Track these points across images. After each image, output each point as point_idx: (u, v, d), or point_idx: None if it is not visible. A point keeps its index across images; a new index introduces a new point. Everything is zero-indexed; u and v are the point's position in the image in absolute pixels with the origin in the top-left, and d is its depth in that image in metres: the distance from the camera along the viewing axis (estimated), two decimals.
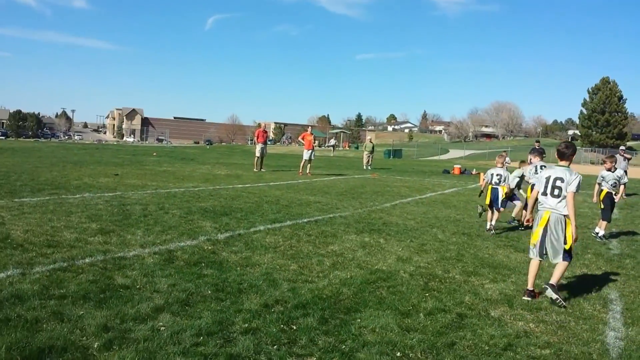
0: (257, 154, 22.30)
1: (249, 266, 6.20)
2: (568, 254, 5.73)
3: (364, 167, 29.87)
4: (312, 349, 4.01)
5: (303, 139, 22.14)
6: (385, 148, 64.18)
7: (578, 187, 5.66)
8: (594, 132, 77.73)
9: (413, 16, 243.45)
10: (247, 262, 6.36)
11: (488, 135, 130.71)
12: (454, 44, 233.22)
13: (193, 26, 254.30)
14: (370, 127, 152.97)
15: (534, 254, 5.88)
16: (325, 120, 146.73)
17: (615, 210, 11.14)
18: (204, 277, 5.61)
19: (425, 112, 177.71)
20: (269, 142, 32.73)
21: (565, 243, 5.68)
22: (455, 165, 31.69)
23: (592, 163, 62.03)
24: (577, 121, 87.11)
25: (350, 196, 14.13)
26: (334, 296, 5.29)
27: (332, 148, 54.08)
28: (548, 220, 5.77)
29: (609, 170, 10.03)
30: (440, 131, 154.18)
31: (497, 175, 9.77)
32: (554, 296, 5.45)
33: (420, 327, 4.60)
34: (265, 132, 23.22)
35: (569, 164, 5.91)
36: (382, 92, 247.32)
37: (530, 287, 5.73)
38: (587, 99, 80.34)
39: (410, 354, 4.04)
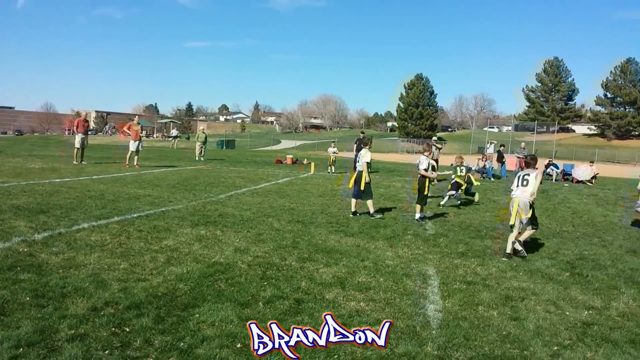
0: (77, 145, 20.54)
1: (72, 268, 5.70)
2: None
3: (197, 158, 29.20)
4: (148, 349, 3.83)
5: (129, 129, 20.92)
6: (218, 138, 63.48)
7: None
8: (410, 124, 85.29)
9: (244, 6, 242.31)
10: (70, 264, 5.84)
11: (317, 127, 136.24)
12: (284, 37, 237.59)
13: (2, 4, 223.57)
14: (201, 117, 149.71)
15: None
16: (152, 109, 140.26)
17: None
18: (20, 282, 5.03)
19: (257, 103, 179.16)
20: (90, 132, 30.36)
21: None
22: (287, 156, 32.46)
23: (409, 152, 68.19)
24: (395, 114, 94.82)
25: (183, 188, 13.72)
26: (170, 293, 5.10)
27: (174, 139, 51.01)
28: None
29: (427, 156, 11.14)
30: (272, 122, 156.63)
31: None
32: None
33: (260, 316, 4.64)
34: (86, 121, 21.46)
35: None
36: (214, 82, 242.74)
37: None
38: (404, 94, 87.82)
39: (251, 344, 4.05)
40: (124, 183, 14.17)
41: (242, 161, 30.01)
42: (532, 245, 8.63)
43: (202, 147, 29.70)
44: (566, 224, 11.10)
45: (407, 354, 4.07)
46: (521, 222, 7.76)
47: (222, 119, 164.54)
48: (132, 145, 20.32)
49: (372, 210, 10.61)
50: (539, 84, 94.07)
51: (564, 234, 9.88)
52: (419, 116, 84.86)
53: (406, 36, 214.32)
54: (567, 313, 5.25)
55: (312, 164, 25.58)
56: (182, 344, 3.97)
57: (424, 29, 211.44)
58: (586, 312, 5.30)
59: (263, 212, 10.38)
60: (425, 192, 10.56)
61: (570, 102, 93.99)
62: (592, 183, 24.21)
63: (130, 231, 7.78)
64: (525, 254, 7.62)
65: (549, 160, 27.82)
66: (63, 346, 3.76)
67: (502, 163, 26.00)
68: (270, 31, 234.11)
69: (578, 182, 24.32)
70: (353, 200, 10.73)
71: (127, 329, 4.16)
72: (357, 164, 10.88)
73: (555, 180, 24.97)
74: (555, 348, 4.35)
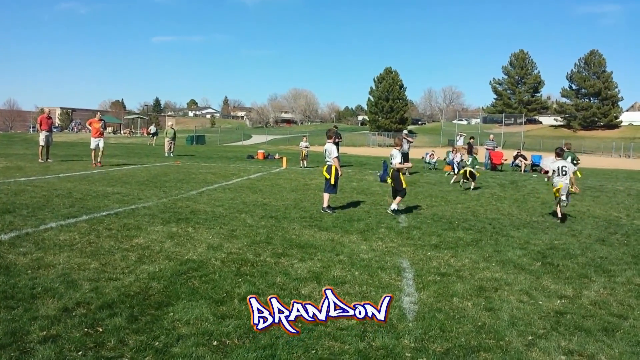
0: (42, 142, 20.03)
1: (41, 268, 5.54)
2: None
3: (166, 154, 28.79)
4: (123, 349, 3.74)
5: (90, 125, 20.21)
6: (188, 134, 62.73)
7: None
8: (380, 118, 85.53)
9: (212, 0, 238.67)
10: (39, 264, 5.68)
11: (288, 121, 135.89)
12: (253, 31, 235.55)
13: None
14: (170, 113, 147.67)
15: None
16: (119, 104, 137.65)
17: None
18: None
19: (226, 97, 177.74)
20: (54, 130, 29.52)
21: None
22: (259, 151, 32.25)
23: (380, 145, 68.58)
24: (366, 107, 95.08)
25: (153, 185, 13.49)
26: (143, 292, 5.00)
27: (152, 137, 48.45)
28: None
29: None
30: (242, 117, 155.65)
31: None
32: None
33: (236, 313, 4.59)
34: (50, 118, 20.92)
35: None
36: (182, 77, 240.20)
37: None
38: (374, 87, 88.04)
39: (227, 341, 4.01)
40: (92, 181, 13.87)
41: (213, 157, 29.72)
42: (503, 235, 8.76)
43: (171, 143, 29.29)
44: (535, 214, 11.31)
45: (384, 347, 4.07)
46: (565, 198, 10.44)
47: (191, 114, 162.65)
48: (92, 143, 19.53)
49: (325, 205, 10.45)
50: (506, 77, 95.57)
51: (534, 224, 10.06)
52: (389, 109, 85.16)
53: (374, 30, 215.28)
54: (540, 302, 5.33)
55: (284, 158, 25.48)
56: (157, 343, 3.89)
57: (393, 24, 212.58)
58: (559, 301, 5.39)
59: (235, 208, 10.28)
60: (404, 185, 10.58)
61: (537, 94, 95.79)
62: None
63: (99, 230, 7.61)
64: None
65: (518, 152, 28.31)
66: (35, 348, 3.66)
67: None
68: (239, 25, 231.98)
69: (546, 172, 24.80)
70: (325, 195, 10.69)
71: (101, 329, 4.06)
72: (327, 159, 10.73)
73: (524, 171, 25.43)
74: (530, 337, 4.41)
